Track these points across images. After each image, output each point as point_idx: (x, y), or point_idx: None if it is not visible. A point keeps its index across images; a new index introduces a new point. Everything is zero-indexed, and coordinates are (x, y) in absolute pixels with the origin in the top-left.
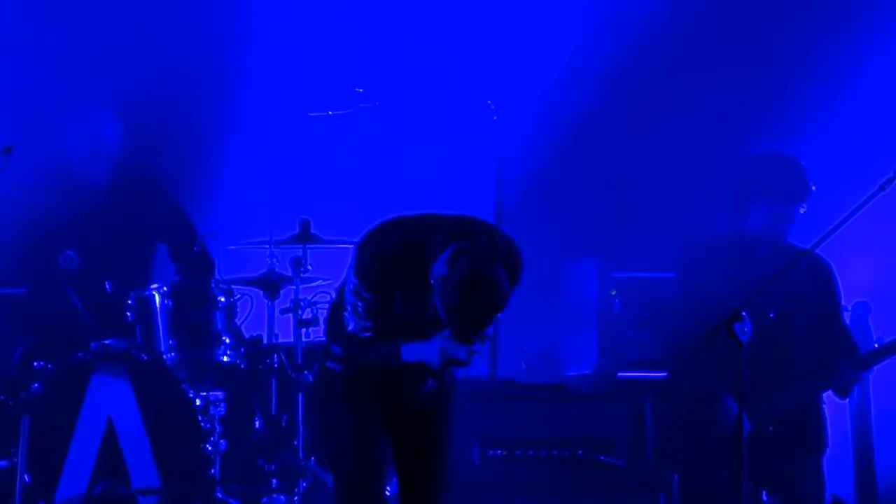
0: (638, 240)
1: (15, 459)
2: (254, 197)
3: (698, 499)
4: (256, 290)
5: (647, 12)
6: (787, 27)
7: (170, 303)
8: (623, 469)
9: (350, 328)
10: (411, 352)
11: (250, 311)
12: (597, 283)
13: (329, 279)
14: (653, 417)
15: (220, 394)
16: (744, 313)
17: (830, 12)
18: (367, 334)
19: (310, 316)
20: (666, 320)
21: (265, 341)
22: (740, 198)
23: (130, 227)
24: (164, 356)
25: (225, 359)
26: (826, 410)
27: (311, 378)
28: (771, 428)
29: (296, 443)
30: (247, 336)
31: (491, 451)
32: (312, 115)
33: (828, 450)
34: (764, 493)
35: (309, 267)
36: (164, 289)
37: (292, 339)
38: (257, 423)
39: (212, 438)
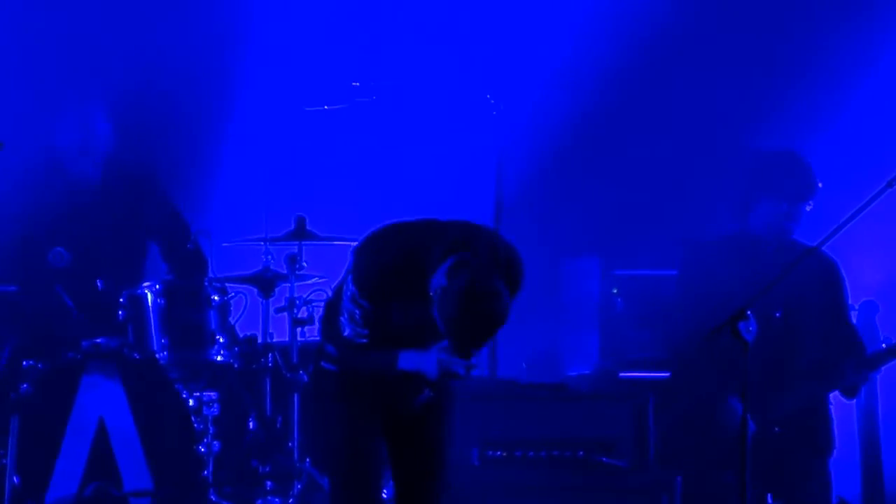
0: (639, 237)
1: (4, 460)
2: (248, 193)
3: (701, 501)
4: (251, 287)
5: (651, 7)
6: (793, 24)
7: (162, 301)
8: (625, 470)
9: (346, 334)
10: (408, 360)
11: (244, 309)
12: (598, 282)
13: (325, 277)
14: (655, 418)
15: (213, 394)
16: (749, 312)
17: (837, 8)
18: (363, 341)
19: (305, 314)
20: (668, 319)
21: (260, 340)
22: (746, 195)
23: (122, 225)
24: (157, 355)
25: (219, 358)
26: (833, 411)
27: (306, 378)
28: (777, 429)
29: (290, 444)
30: (241, 335)
31: (491, 452)
32: (308, 109)
33: (834, 451)
34: (769, 495)
35: (304, 264)
36: (157, 287)
37: (287, 339)
38: (251, 424)
39: (205, 439)
